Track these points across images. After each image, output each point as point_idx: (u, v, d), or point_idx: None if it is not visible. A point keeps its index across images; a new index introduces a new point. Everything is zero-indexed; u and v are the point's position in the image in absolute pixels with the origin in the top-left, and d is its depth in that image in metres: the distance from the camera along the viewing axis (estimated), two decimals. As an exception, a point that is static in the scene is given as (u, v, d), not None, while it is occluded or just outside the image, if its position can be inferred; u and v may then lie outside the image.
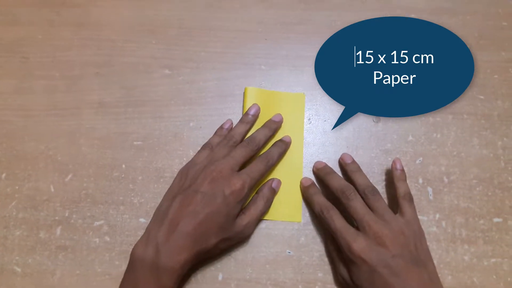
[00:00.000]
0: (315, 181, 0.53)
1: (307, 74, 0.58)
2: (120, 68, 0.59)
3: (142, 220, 0.51)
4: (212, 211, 0.44)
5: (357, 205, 0.46)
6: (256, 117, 0.54)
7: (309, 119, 0.56)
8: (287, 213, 0.52)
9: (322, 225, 0.51)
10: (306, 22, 0.61)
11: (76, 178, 0.54)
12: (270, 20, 0.61)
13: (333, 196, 0.49)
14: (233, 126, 0.55)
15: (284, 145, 0.53)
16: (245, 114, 0.54)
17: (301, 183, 0.53)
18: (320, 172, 0.52)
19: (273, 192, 0.51)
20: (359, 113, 0.56)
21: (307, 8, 0.62)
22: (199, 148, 0.53)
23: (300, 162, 0.54)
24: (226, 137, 0.52)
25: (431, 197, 0.52)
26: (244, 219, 0.48)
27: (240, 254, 0.50)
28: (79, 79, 0.58)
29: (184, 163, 0.52)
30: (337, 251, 0.48)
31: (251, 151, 0.50)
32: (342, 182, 0.49)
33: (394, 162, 0.51)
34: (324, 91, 0.57)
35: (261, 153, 0.52)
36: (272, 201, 0.51)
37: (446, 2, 0.62)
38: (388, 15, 0.61)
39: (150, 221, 0.47)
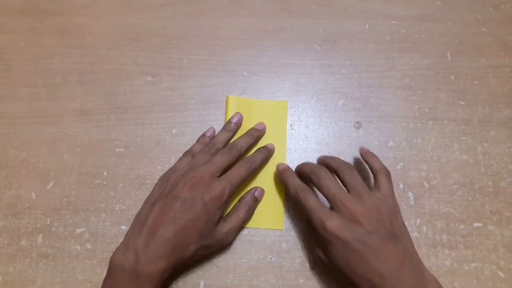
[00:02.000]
0: None
1: (289, 81, 0.59)
2: (102, 76, 0.59)
3: (123, 227, 0.51)
4: (192, 217, 0.44)
5: (328, 184, 0.45)
6: (238, 125, 0.55)
7: (291, 125, 0.56)
8: (269, 220, 0.52)
9: (303, 231, 0.51)
10: (288, 30, 0.62)
11: (57, 186, 0.53)
12: (252, 27, 0.62)
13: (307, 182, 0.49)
14: (216, 134, 0.55)
15: (267, 152, 0.53)
16: (228, 122, 0.55)
17: (276, 168, 0.52)
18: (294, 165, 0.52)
19: (256, 200, 0.52)
20: (340, 119, 0.56)
21: (290, 16, 0.62)
22: (181, 155, 0.53)
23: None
24: (208, 145, 0.52)
25: (412, 202, 0.52)
26: (225, 227, 0.48)
27: (221, 261, 0.50)
28: (62, 87, 0.59)
29: (166, 170, 0.52)
30: (313, 232, 0.47)
31: (232, 157, 0.50)
32: (312, 165, 0.49)
33: (360, 148, 0.52)
34: (306, 98, 0.58)
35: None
36: (254, 210, 0.52)
37: (427, 9, 0.63)
38: (369, 22, 0.62)
39: (130, 228, 0.47)
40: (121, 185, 0.53)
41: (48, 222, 0.52)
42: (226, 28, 0.62)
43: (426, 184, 0.53)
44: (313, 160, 0.54)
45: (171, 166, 0.52)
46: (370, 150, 0.52)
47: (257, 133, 0.54)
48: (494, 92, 0.58)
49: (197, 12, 0.63)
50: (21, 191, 0.53)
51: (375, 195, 0.45)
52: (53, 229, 0.52)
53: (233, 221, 0.49)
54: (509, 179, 0.53)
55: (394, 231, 0.43)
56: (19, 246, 0.51)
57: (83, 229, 0.52)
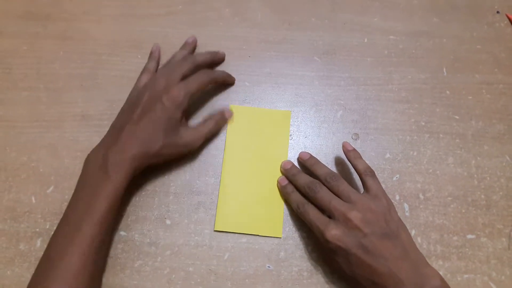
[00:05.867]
0: None
1: (289, 92, 0.60)
2: (104, 81, 0.59)
3: (122, 233, 0.52)
4: (153, 115, 0.49)
5: (322, 195, 0.48)
6: (195, 42, 0.61)
7: (290, 135, 0.57)
8: (268, 227, 0.52)
9: (301, 240, 0.52)
10: (289, 42, 0.63)
11: (57, 190, 0.54)
12: (254, 38, 0.63)
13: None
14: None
15: (225, 74, 0.59)
16: (184, 44, 0.61)
17: (278, 182, 0.54)
18: (287, 174, 0.53)
19: (224, 119, 0.56)
20: (339, 130, 0.57)
21: (290, 28, 0.64)
22: (181, 162, 0.54)
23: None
24: (168, 60, 0.57)
25: (407, 213, 0.54)
26: (193, 133, 0.53)
27: (220, 268, 0.50)
28: (63, 92, 0.59)
29: (167, 177, 0.53)
30: (317, 242, 0.49)
31: (189, 64, 0.54)
32: (307, 179, 0.50)
33: (343, 145, 0.53)
34: (305, 108, 0.59)
35: None
36: (222, 126, 0.57)
37: (423, 25, 0.65)
38: (368, 36, 0.63)
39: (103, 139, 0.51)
40: (121, 190, 0.54)
41: (47, 227, 0.52)
42: (227, 38, 0.63)
43: (421, 196, 0.54)
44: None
45: (172, 173, 0.54)
46: (352, 147, 0.53)
47: (216, 54, 0.60)
48: (488, 108, 0.59)
49: (199, 22, 0.64)
50: (21, 194, 0.53)
51: (366, 197, 0.47)
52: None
53: (200, 129, 0.54)
54: (501, 193, 0.55)
55: (390, 229, 0.45)
56: (17, 250, 0.51)
57: (83, 234, 0.52)
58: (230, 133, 0.57)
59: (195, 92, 0.52)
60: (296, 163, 0.55)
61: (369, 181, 0.49)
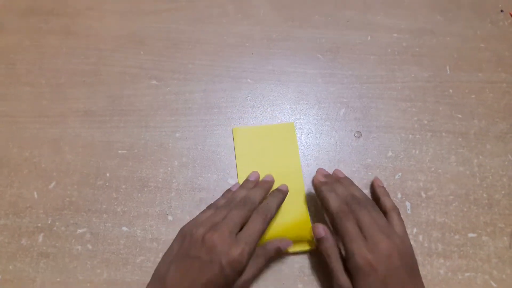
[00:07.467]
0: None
1: (292, 89, 0.60)
2: (107, 77, 0.59)
3: (124, 228, 0.52)
4: (209, 280, 0.42)
5: (366, 213, 0.46)
6: (256, 183, 0.54)
7: (292, 133, 0.57)
8: (303, 241, 0.51)
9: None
10: (292, 39, 0.63)
11: (59, 186, 0.54)
12: (257, 35, 0.63)
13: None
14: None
15: (281, 194, 0.52)
16: (246, 181, 0.54)
17: (315, 178, 0.52)
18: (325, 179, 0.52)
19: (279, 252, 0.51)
20: (341, 128, 0.57)
21: (293, 26, 0.64)
22: (184, 159, 0.54)
23: (302, 188, 0.54)
24: (228, 199, 0.51)
25: (409, 212, 0.53)
26: (241, 278, 0.46)
27: (221, 265, 0.51)
28: (66, 87, 0.59)
29: (169, 173, 0.53)
30: (336, 261, 0.47)
31: (248, 211, 0.48)
32: (345, 193, 0.49)
33: (375, 181, 0.53)
34: (308, 106, 0.58)
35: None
36: (273, 260, 0.51)
37: (427, 24, 0.64)
38: (371, 34, 0.63)
39: (148, 284, 0.45)
40: (123, 186, 0.54)
41: (49, 222, 0.52)
42: (231, 35, 0.63)
43: (423, 194, 0.54)
44: (314, 167, 0.55)
45: (174, 169, 0.53)
46: (382, 184, 0.53)
47: (267, 185, 0.53)
48: (491, 107, 0.59)
49: (202, 19, 0.64)
50: (23, 190, 0.53)
51: (396, 232, 0.46)
52: (54, 228, 0.52)
53: (251, 271, 0.47)
54: (503, 192, 0.55)
55: (414, 266, 0.45)
56: (19, 245, 0.51)
57: (85, 229, 0.52)
58: (239, 157, 0.56)
59: (256, 245, 0.46)
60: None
61: (395, 219, 0.48)
